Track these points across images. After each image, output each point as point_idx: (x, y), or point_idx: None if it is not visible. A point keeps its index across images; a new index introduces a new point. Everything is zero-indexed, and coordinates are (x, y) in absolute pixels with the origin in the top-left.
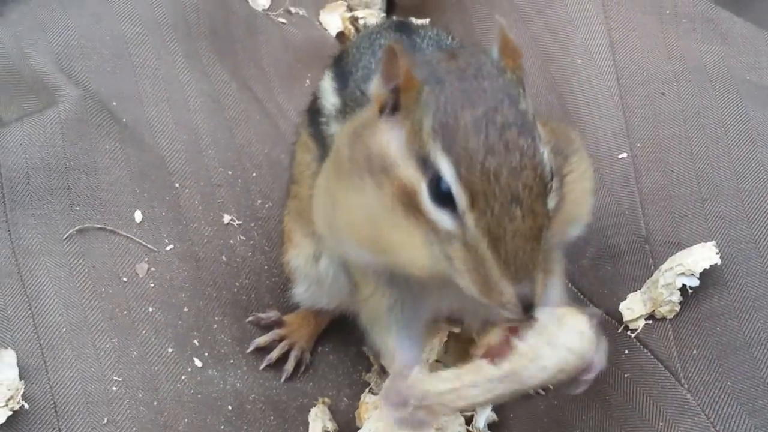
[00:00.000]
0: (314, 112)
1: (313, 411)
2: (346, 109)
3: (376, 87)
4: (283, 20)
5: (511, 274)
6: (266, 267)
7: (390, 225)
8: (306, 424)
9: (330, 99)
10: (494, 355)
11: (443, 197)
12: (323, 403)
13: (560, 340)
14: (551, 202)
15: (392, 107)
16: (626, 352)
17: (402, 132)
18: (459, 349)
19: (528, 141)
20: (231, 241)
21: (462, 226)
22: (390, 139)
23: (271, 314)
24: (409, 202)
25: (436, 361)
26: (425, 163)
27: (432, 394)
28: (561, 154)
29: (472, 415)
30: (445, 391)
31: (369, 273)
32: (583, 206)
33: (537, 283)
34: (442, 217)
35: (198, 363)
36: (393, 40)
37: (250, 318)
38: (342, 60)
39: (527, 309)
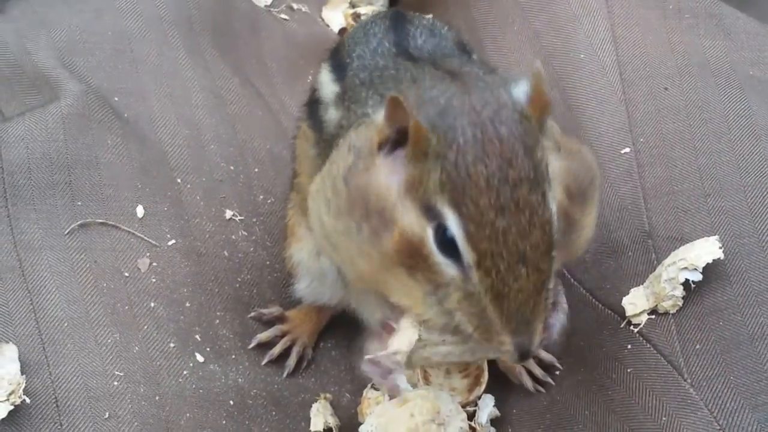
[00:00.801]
0: (313, 103)
1: (315, 406)
2: (345, 97)
3: (378, 120)
4: (286, 17)
5: (511, 328)
6: (268, 263)
7: (388, 273)
8: (308, 420)
9: (329, 88)
10: None
11: (448, 246)
12: (325, 398)
13: None
14: (555, 254)
15: (394, 143)
16: (629, 347)
17: (402, 173)
18: None
19: (538, 197)
20: (233, 237)
21: (467, 278)
22: (390, 183)
23: (273, 310)
24: (409, 251)
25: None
26: (430, 211)
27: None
28: (576, 199)
29: (475, 411)
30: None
31: None
32: (581, 249)
33: (536, 333)
34: (446, 265)
35: (200, 358)
36: (396, 94)
37: (252, 314)
38: (338, 52)
39: (523, 357)
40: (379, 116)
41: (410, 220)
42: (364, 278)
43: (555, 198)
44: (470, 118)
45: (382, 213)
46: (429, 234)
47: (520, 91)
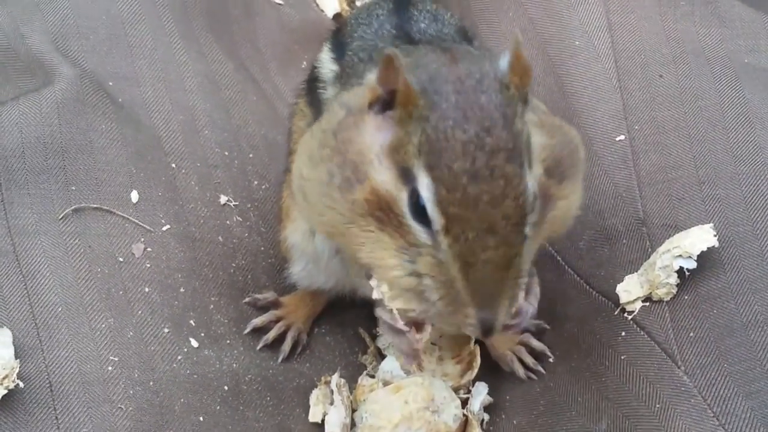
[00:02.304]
0: (312, 80)
1: (315, 393)
2: (343, 75)
3: (371, 81)
4: (280, 1)
5: (476, 302)
6: (263, 248)
7: (359, 229)
8: (303, 405)
9: (328, 66)
10: None
11: (421, 213)
12: (325, 383)
13: None
14: (528, 229)
15: (384, 104)
16: (623, 334)
17: (388, 135)
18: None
19: (515, 167)
20: (227, 222)
21: (436, 243)
22: (374, 141)
23: (268, 295)
24: (381, 208)
25: (432, 343)
26: (406, 174)
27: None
28: (555, 176)
29: (468, 398)
30: None
31: None
32: (562, 228)
33: (501, 310)
34: (418, 230)
35: (194, 343)
36: (391, 48)
37: (247, 299)
38: (340, 32)
39: (487, 333)
40: (373, 76)
41: (386, 179)
42: (332, 230)
43: (534, 173)
44: (455, 86)
45: (358, 166)
46: (403, 198)
47: (504, 62)
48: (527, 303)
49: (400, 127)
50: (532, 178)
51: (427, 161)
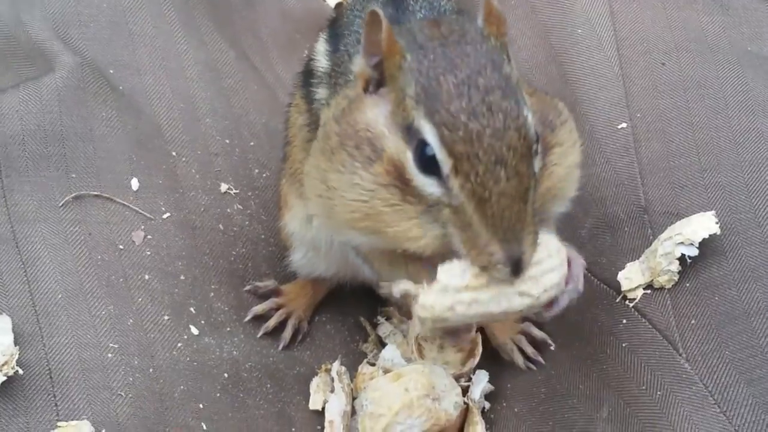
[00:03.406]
0: (308, 73)
1: (315, 381)
2: (332, 74)
3: (359, 65)
4: None
5: (498, 236)
6: (263, 236)
7: (382, 202)
8: (303, 393)
9: (322, 61)
10: None
11: (428, 163)
12: (326, 370)
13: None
14: (536, 165)
15: (377, 83)
16: (624, 321)
17: (387, 105)
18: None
19: (511, 103)
20: (228, 210)
21: (448, 190)
22: (376, 114)
23: (269, 283)
24: (399, 177)
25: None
26: (410, 131)
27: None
28: (548, 125)
29: (468, 386)
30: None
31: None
32: (569, 181)
33: (526, 243)
34: (428, 184)
35: (194, 331)
36: (376, 9)
37: (248, 287)
38: (337, 22)
39: (516, 270)
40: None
41: (394, 144)
42: (360, 218)
43: (532, 110)
44: (440, 41)
45: (372, 141)
46: (409, 157)
47: (480, 19)
48: (566, 291)
49: (394, 91)
50: (531, 113)
51: (426, 109)
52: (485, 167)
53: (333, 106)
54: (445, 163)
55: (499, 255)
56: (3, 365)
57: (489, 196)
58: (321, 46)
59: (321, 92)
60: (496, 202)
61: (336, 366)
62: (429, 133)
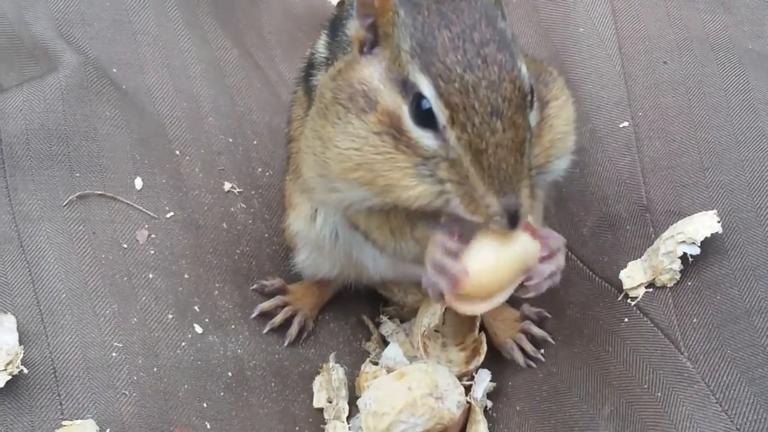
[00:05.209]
0: (310, 66)
1: (318, 380)
2: (330, 59)
3: (353, 27)
4: None
5: (495, 187)
6: (267, 235)
7: (379, 155)
8: (308, 392)
9: (322, 52)
10: None
11: (424, 116)
12: (327, 369)
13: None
14: (532, 118)
15: (371, 44)
16: (626, 320)
17: (382, 63)
18: (457, 320)
19: (506, 56)
20: (231, 209)
21: (445, 143)
22: (372, 72)
23: (275, 281)
24: (395, 130)
25: (436, 330)
26: (405, 85)
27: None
28: (541, 81)
29: (471, 385)
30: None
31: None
32: (567, 134)
33: (522, 195)
34: (424, 137)
35: (198, 329)
36: None
37: (255, 285)
38: (338, 19)
39: (513, 221)
40: (355, 21)
41: (390, 98)
42: (356, 171)
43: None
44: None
45: (367, 93)
46: (405, 111)
47: None
48: (542, 265)
49: (388, 47)
50: (525, 66)
51: (422, 63)
52: (481, 118)
53: (329, 71)
54: (442, 114)
55: (496, 207)
56: (8, 364)
57: (485, 147)
58: (322, 39)
59: (319, 77)
60: (493, 153)
61: (332, 362)
62: (425, 86)
